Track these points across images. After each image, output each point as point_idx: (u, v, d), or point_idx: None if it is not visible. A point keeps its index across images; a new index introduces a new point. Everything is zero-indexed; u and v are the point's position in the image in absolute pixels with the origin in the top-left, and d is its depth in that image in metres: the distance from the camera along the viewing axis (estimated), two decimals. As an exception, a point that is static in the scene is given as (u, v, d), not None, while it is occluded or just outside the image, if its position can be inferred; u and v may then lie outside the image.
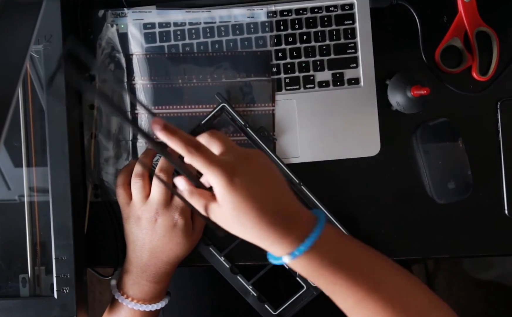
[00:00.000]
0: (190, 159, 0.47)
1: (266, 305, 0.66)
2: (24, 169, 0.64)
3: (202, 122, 0.67)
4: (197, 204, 0.50)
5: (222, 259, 0.67)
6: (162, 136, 0.47)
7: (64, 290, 0.61)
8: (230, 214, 0.48)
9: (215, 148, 0.50)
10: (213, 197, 0.49)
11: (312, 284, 0.65)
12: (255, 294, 0.66)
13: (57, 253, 0.61)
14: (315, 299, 0.65)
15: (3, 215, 0.65)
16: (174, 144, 0.47)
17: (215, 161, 0.47)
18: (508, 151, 0.68)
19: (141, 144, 0.68)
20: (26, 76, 0.64)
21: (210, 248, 0.67)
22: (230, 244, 0.67)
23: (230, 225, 0.49)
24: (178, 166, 0.51)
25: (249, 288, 0.66)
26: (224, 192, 0.47)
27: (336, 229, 0.54)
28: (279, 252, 0.49)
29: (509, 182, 0.68)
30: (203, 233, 0.66)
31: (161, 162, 0.62)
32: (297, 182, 0.66)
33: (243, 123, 0.66)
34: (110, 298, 0.65)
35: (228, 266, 0.67)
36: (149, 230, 0.61)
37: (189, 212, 0.63)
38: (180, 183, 0.52)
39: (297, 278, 0.66)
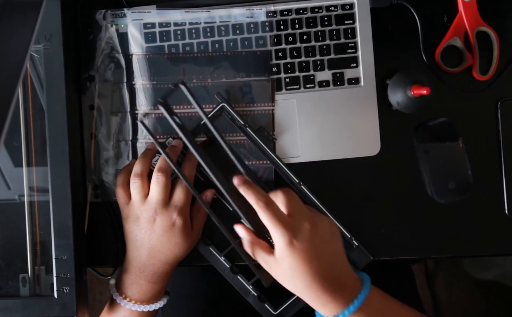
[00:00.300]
0: (259, 212, 0.53)
1: (266, 305, 0.66)
2: (24, 168, 0.64)
3: (202, 122, 0.67)
4: (256, 254, 0.55)
5: (222, 258, 0.67)
6: (241, 189, 0.54)
7: (64, 290, 0.61)
8: (286, 272, 0.53)
9: (285, 207, 0.54)
10: (272, 250, 0.54)
11: None
12: (255, 294, 0.66)
13: (57, 252, 0.61)
14: None
15: (3, 215, 0.65)
16: (249, 197, 0.54)
17: (280, 220, 0.52)
18: (508, 151, 0.68)
19: (141, 144, 0.68)
20: (26, 76, 0.64)
21: (210, 248, 0.67)
22: (230, 243, 0.67)
23: (283, 280, 0.55)
24: (241, 214, 0.57)
25: (249, 287, 0.66)
26: (284, 251, 0.52)
27: (380, 291, 0.57)
28: (327, 312, 0.54)
29: (509, 182, 0.68)
30: (202, 233, 0.66)
31: (159, 162, 0.62)
32: (297, 181, 0.66)
33: (242, 123, 0.66)
34: (110, 298, 0.65)
35: (228, 266, 0.67)
36: (147, 230, 0.62)
37: (188, 212, 0.63)
38: (241, 231, 0.56)
39: None
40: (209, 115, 0.66)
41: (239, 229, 0.56)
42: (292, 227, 0.52)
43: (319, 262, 0.53)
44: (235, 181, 0.54)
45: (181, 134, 0.58)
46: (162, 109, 0.58)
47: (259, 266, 0.57)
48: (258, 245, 0.55)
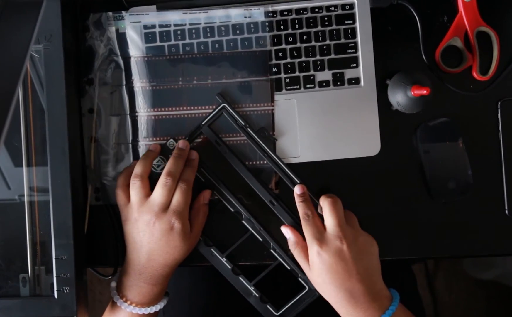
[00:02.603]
0: (302, 221, 0.62)
1: (268, 306, 0.66)
2: (24, 168, 0.64)
3: (203, 123, 0.67)
4: (297, 255, 0.63)
5: (223, 259, 0.67)
6: (298, 198, 0.64)
7: (64, 290, 0.61)
8: (315, 280, 0.61)
9: (328, 216, 0.61)
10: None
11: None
12: (257, 295, 0.66)
13: (57, 252, 0.61)
14: (317, 300, 0.65)
15: (3, 215, 0.65)
16: (300, 207, 0.63)
17: (315, 232, 0.60)
18: (508, 151, 0.68)
19: (141, 147, 0.68)
20: (26, 76, 0.64)
21: (212, 249, 0.67)
22: (231, 244, 0.67)
23: (315, 286, 0.62)
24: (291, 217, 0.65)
25: (251, 288, 0.66)
26: (313, 260, 0.60)
27: (406, 309, 0.62)
28: None
29: (509, 182, 0.68)
30: (204, 234, 0.66)
31: (171, 166, 0.62)
32: (298, 181, 0.66)
33: (243, 123, 0.66)
34: (110, 298, 0.65)
35: (230, 267, 0.67)
36: (146, 232, 0.61)
37: (187, 215, 0.63)
38: (287, 232, 0.64)
39: (299, 279, 0.66)
40: (210, 116, 0.67)
41: (285, 230, 0.64)
42: (324, 239, 0.60)
43: (347, 275, 0.59)
44: (297, 189, 0.64)
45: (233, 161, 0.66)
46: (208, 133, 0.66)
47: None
48: (301, 248, 0.62)
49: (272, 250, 0.66)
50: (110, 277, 0.68)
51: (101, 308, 0.67)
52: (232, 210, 0.66)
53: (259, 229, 0.66)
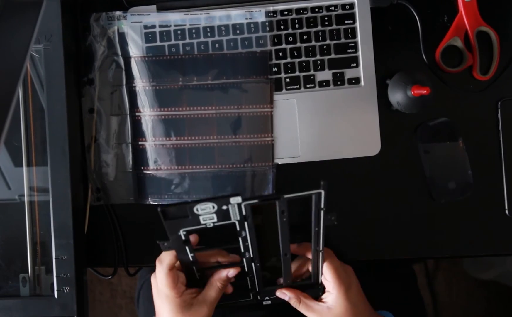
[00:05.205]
0: (328, 267, 0.60)
1: None
2: (24, 168, 0.64)
3: (285, 195, 0.50)
4: (303, 307, 0.62)
5: None
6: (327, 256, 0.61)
7: (64, 290, 0.61)
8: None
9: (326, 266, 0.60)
10: (317, 300, 0.63)
11: None
12: None
13: (57, 252, 0.61)
14: None
15: (3, 215, 0.65)
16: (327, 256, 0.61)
17: (340, 274, 0.60)
18: (508, 151, 0.68)
19: (141, 147, 0.68)
20: (27, 76, 0.64)
21: None
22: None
23: None
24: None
25: None
26: (341, 298, 0.60)
27: None
28: None
29: (509, 182, 0.68)
30: None
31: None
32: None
33: (322, 216, 0.54)
34: (110, 298, 0.65)
35: None
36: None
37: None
38: (284, 295, 0.62)
39: None
40: (300, 194, 0.50)
41: (281, 294, 0.62)
42: (347, 279, 0.61)
43: (363, 306, 0.62)
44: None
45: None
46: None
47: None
48: (306, 297, 0.62)
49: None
50: (110, 277, 0.68)
51: (101, 308, 0.67)
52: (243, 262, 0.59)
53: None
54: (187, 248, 0.55)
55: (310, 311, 0.61)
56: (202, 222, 0.51)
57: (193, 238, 0.57)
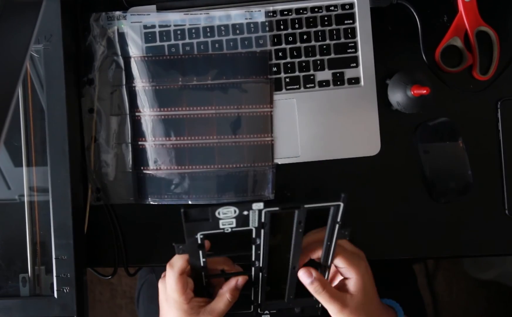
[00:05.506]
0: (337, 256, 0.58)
1: None
2: (24, 168, 0.64)
3: (306, 205, 0.51)
4: (325, 291, 0.58)
5: None
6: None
7: (64, 290, 0.61)
8: (363, 301, 0.59)
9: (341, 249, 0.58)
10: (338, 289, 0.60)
11: None
12: None
13: (57, 252, 0.61)
14: None
15: (3, 215, 0.65)
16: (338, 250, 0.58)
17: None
18: (508, 150, 0.68)
19: (142, 146, 0.68)
20: (26, 76, 0.64)
21: None
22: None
23: (357, 310, 0.59)
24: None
25: None
26: (364, 284, 0.58)
27: None
28: None
29: (509, 182, 0.68)
30: None
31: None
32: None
33: (338, 227, 0.55)
34: (110, 298, 0.65)
35: None
36: None
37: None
38: (305, 275, 0.58)
39: None
40: (319, 204, 0.51)
41: (306, 272, 0.58)
42: (363, 264, 0.60)
43: (374, 290, 0.62)
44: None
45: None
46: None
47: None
48: (328, 284, 0.58)
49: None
50: (110, 277, 0.68)
51: (101, 308, 0.67)
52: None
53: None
54: (200, 252, 0.54)
55: (333, 299, 0.57)
56: (221, 226, 0.51)
57: (206, 243, 0.56)
